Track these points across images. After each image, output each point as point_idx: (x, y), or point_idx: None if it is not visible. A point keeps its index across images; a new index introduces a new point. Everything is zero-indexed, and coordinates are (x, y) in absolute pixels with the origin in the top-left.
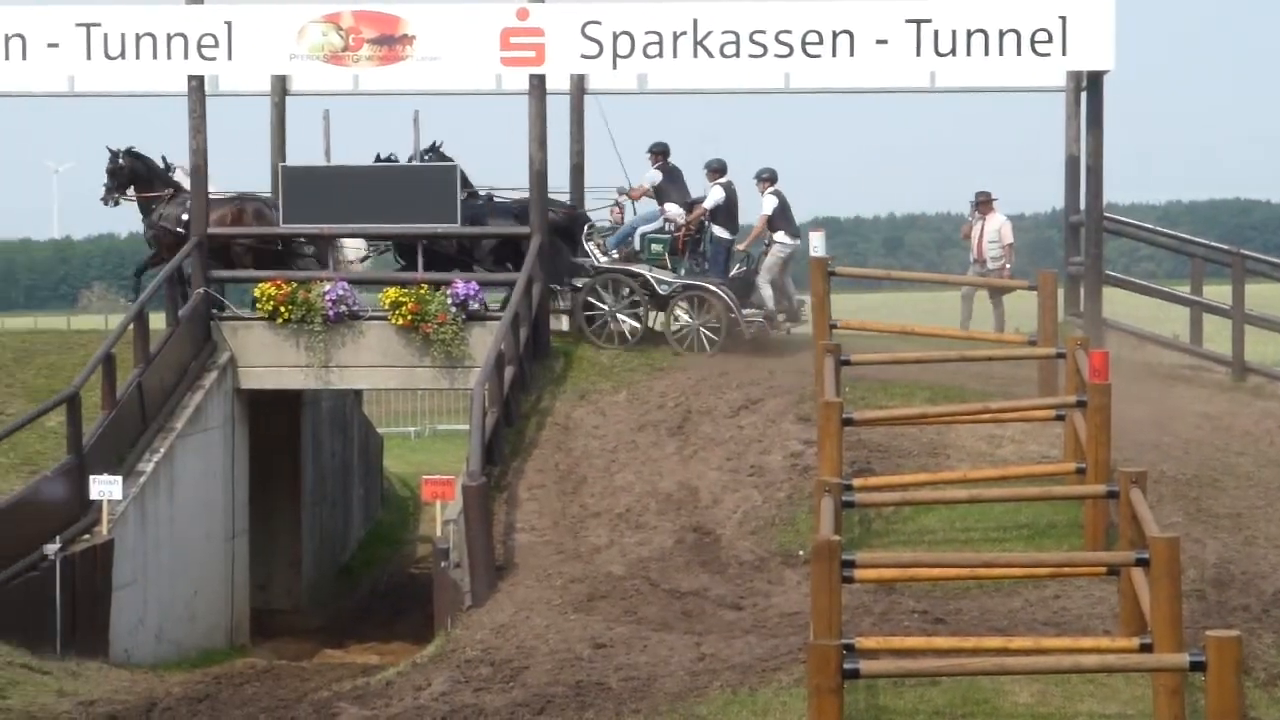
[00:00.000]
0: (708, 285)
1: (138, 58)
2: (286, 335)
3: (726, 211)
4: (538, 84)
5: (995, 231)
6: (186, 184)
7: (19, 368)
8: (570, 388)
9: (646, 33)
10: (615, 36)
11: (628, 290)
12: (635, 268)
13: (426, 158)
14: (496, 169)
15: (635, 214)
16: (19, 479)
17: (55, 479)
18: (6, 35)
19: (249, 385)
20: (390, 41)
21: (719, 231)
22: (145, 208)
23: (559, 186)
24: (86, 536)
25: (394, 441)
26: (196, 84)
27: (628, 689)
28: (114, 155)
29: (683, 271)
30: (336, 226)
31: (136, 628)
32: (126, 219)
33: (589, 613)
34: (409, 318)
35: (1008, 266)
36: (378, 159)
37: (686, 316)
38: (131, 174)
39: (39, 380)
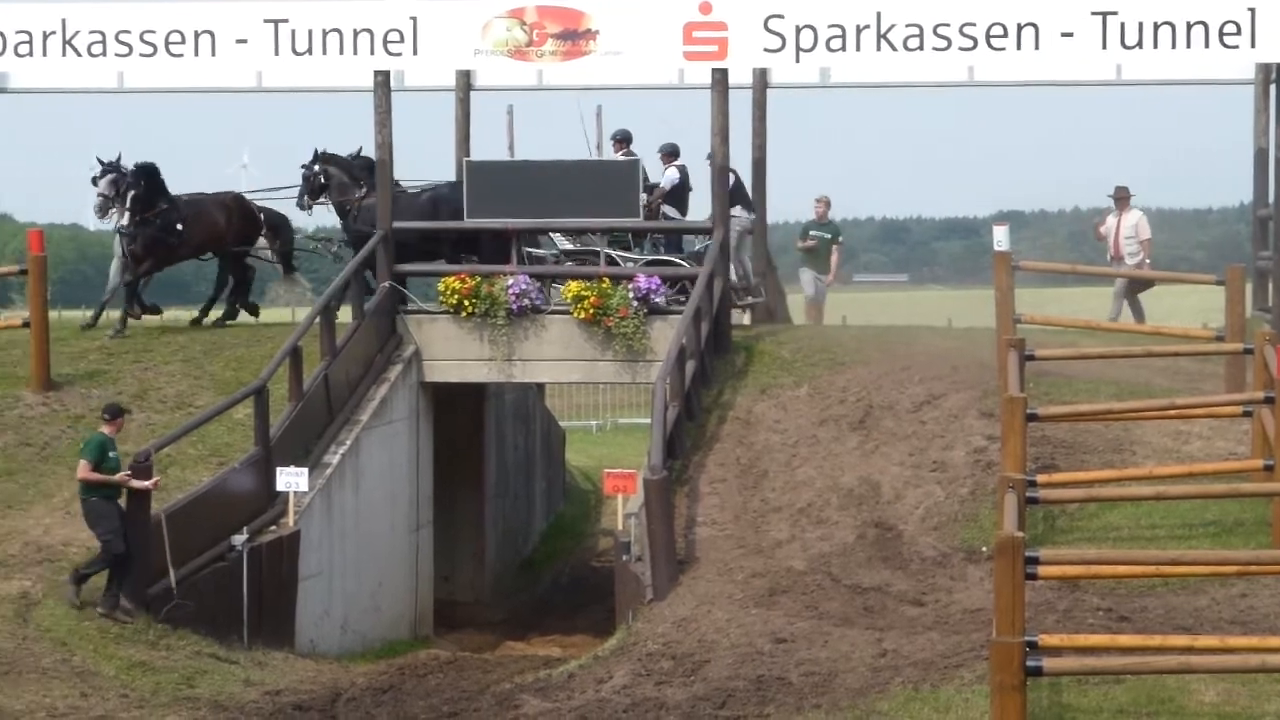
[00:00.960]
0: (671, 260)
1: (324, 53)
2: (470, 329)
3: (680, 193)
4: (720, 78)
5: (1131, 227)
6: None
7: (208, 360)
8: (751, 382)
9: (829, 26)
10: (798, 30)
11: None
12: (597, 248)
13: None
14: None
15: None
16: (207, 470)
17: (243, 471)
18: (196, 32)
19: (433, 378)
20: (573, 36)
21: (670, 212)
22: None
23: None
24: (273, 528)
25: (576, 435)
26: (382, 79)
27: (809, 684)
28: (136, 176)
29: (644, 250)
30: (519, 221)
31: (322, 618)
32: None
33: (770, 607)
34: (591, 312)
35: (1147, 261)
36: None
37: None
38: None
39: (227, 373)
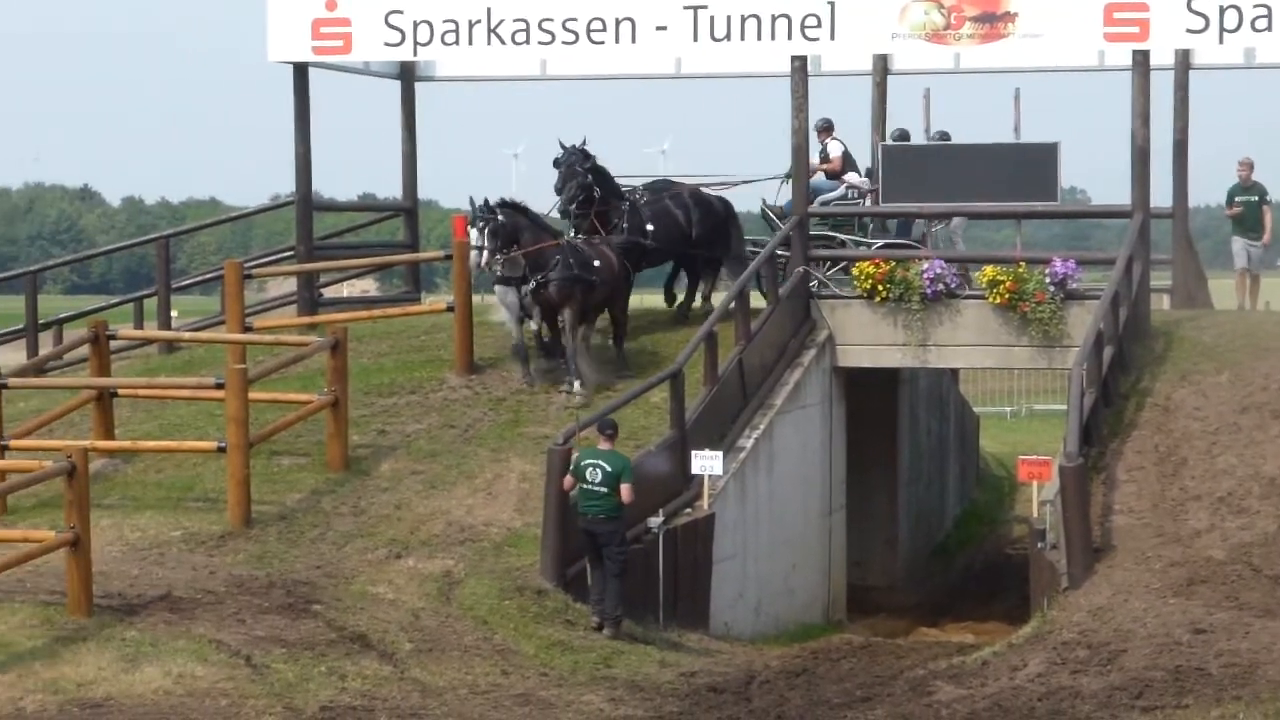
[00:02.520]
0: (909, 243)
1: (742, 39)
2: (884, 314)
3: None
4: (1141, 60)
5: None
6: None
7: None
8: (1170, 368)
9: (1255, 5)
10: (1222, 10)
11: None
12: (832, 234)
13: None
14: (1092, 146)
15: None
16: (625, 453)
17: (659, 453)
18: (617, 19)
19: (846, 363)
20: (992, 19)
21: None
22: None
23: (1161, 164)
24: (688, 510)
25: (989, 420)
26: (799, 64)
27: (1228, 675)
28: (499, 211)
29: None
30: (935, 205)
31: (736, 601)
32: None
33: (1188, 597)
34: (1006, 296)
35: None
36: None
37: None
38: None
39: (643, 357)
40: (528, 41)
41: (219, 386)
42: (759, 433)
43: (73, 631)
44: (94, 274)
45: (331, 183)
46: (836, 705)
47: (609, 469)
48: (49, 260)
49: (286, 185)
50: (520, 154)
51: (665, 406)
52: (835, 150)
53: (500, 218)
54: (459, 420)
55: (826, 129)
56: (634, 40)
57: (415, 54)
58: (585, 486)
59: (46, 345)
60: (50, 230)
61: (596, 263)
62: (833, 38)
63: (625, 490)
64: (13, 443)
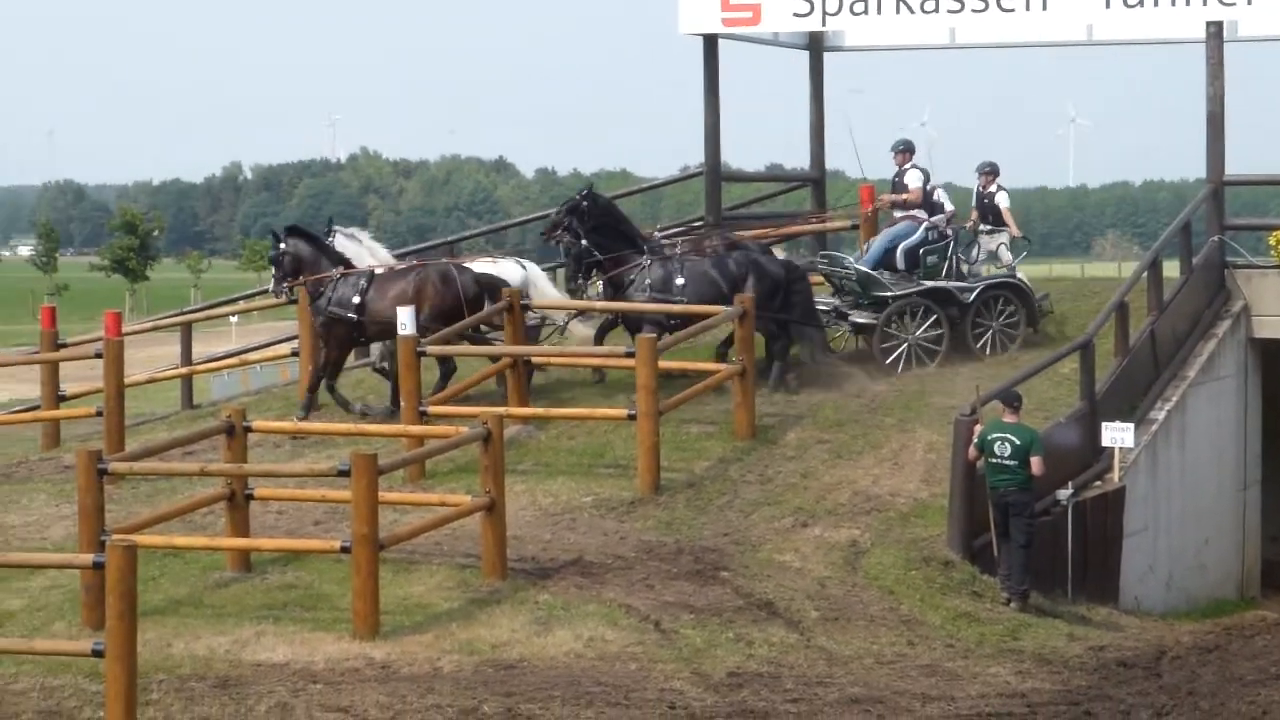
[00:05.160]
0: (1011, 280)
1: (1155, 5)
2: None
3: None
4: None
5: None
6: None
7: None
8: None
9: None
10: None
11: (926, 312)
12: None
13: None
14: None
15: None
16: (1034, 424)
17: (1068, 425)
18: None
19: (1263, 334)
20: None
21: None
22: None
23: None
24: (1098, 483)
25: None
26: (1215, 30)
27: None
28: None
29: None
30: None
31: (1146, 575)
32: (1141, 168)
33: None
34: None
35: None
36: None
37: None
38: (296, 258)
39: (1050, 327)
40: (936, 10)
41: (630, 355)
42: (1171, 405)
43: (487, 594)
44: (509, 244)
45: (739, 153)
46: (1250, 683)
47: (1018, 442)
48: (466, 231)
49: (695, 156)
50: (927, 122)
51: (1075, 378)
52: (914, 180)
53: (282, 245)
54: (865, 390)
55: (906, 151)
56: (1045, 8)
57: (823, 24)
58: (994, 460)
59: None
60: (466, 201)
61: (355, 298)
62: (1250, 3)
63: (1036, 463)
64: (431, 409)
